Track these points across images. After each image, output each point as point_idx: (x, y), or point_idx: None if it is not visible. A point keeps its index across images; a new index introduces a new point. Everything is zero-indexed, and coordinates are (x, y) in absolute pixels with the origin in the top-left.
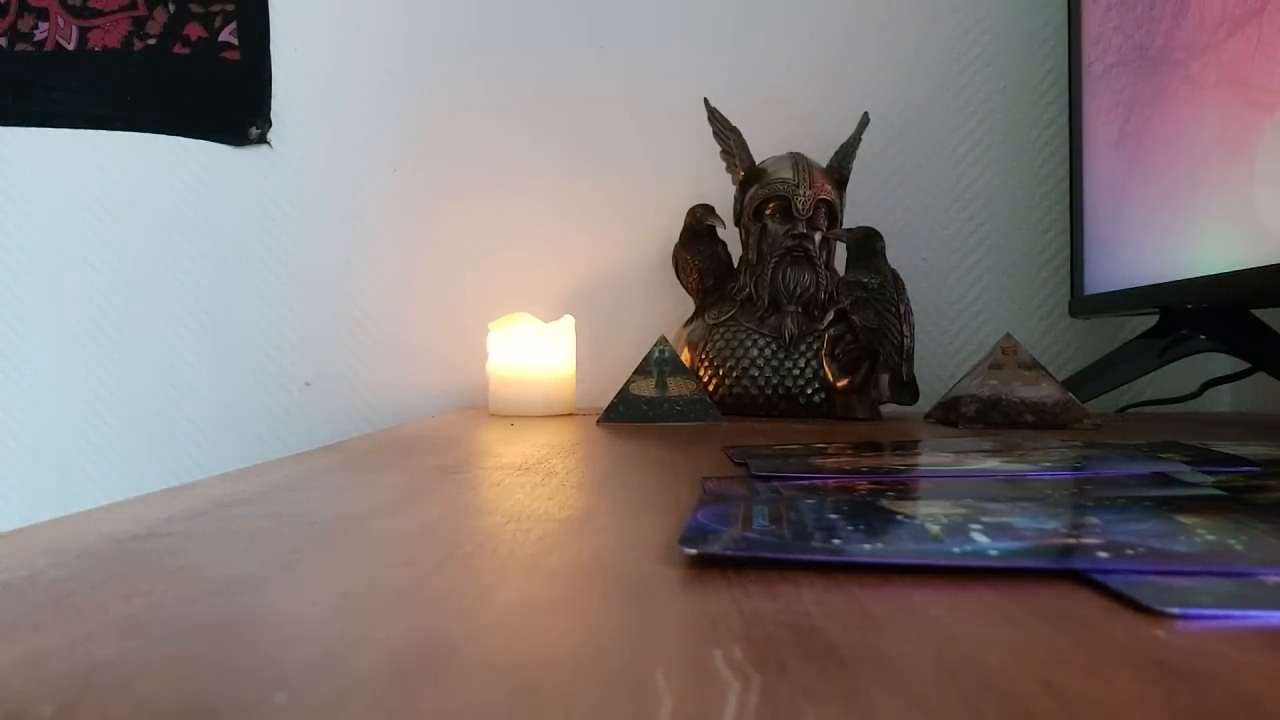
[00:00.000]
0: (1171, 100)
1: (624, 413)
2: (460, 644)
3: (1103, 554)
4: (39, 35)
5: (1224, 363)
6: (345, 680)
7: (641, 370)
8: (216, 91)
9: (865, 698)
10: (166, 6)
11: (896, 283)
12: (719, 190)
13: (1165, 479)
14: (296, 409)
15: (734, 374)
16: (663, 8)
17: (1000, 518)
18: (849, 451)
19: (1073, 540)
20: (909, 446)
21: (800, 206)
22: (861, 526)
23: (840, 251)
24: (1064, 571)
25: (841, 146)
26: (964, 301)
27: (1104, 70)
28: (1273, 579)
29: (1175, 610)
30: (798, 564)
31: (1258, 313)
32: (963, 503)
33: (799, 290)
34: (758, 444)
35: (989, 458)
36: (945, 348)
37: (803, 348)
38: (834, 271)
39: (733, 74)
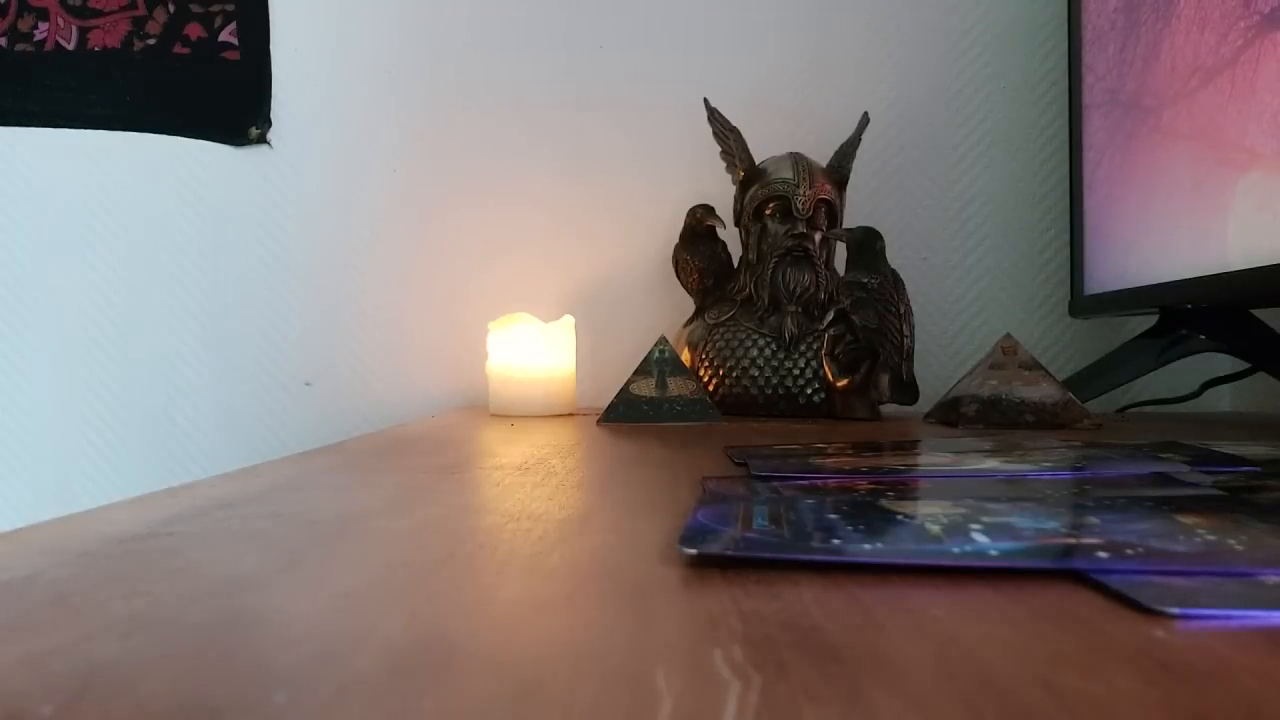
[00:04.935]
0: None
1: (624, 413)
2: (460, 643)
3: (1103, 554)
4: (39, 35)
5: (1224, 363)
6: (345, 680)
7: (641, 370)
8: (216, 91)
9: (865, 698)
10: (166, 6)
11: (896, 283)
12: (719, 190)
13: (1165, 479)
14: (296, 409)
15: (734, 374)
16: (662, 8)
17: (1000, 518)
18: (849, 451)
19: (1073, 540)
20: (909, 446)
21: (800, 206)
22: (861, 526)
23: (840, 251)
24: (1064, 571)
25: (841, 146)
26: (964, 301)
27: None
28: (1273, 579)
29: (1175, 610)
30: (798, 564)
31: (1258, 313)
32: (963, 503)
33: (799, 290)
34: (758, 444)
35: (989, 458)
36: (945, 348)
37: (803, 348)
38: (834, 271)
39: (733, 74)
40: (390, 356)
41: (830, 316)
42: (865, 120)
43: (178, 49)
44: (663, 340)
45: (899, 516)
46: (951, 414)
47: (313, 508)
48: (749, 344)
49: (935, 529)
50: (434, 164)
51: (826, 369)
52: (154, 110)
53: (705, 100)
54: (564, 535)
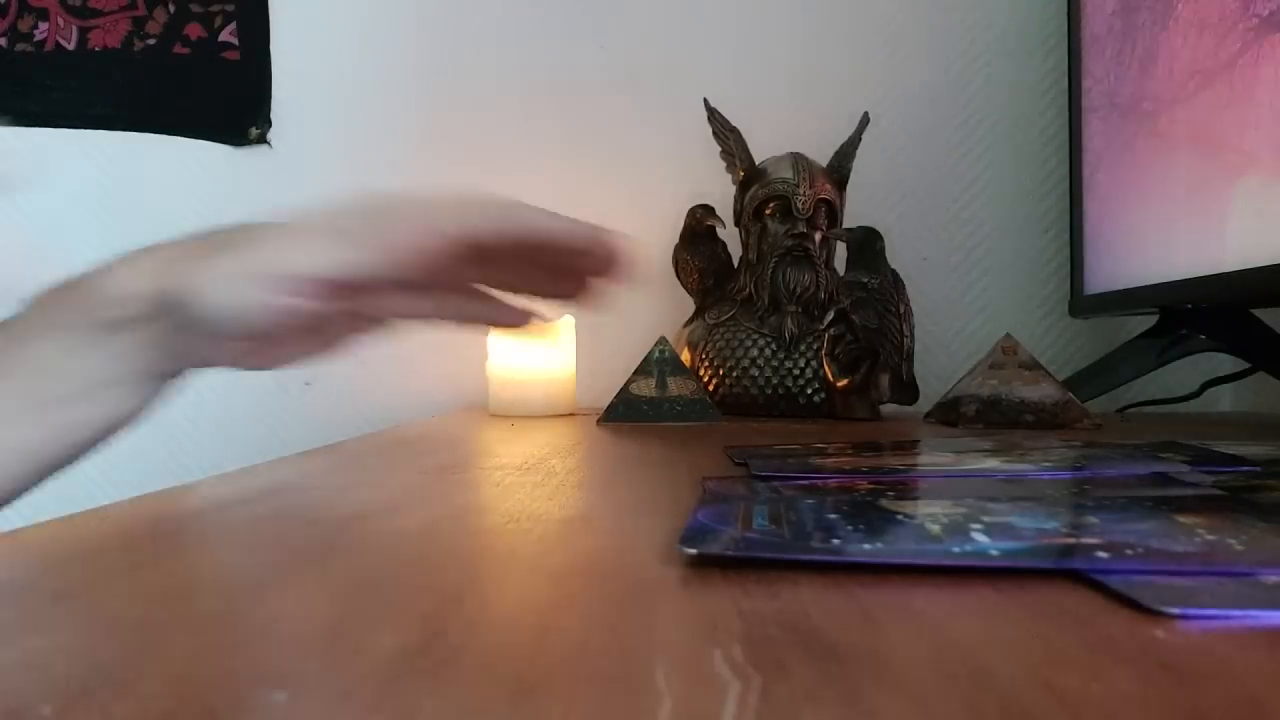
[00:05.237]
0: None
1: (624, 413)
2: (460, 644)
3: (1102, 554)
4: (39, 35)
5: (1224, 363)
6: (345, 680)
7: (641, 370)
8: (216, 91)
9: (865, 698)
10: (166, 6)
11: (896, 282)
12: (719, 190)
13: (1165, 479)
14: (296, 409)
15: (734, 374)
16: (663, 7)
17: (1000, 517)
18: (849, 451)
19: (1073, 540)
20: (909, 446)
21: (800, 206)
22: (861, 526)
23: (840, 251)
24: (1064, 571)
25: (841, 146)
26: (964, 301)
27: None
28: (1273, 579)
29: (1175, 610)
30: (798, 564)
31: (1258, 313)
32: (963, 502)
33: (799, 290)
34: (758, 444)
35: (989, 458)
36: (945, 348)
37: (802, 348)
38: (834, 271)
39: (733, 74)
40: (390, 357)
41: (830, 316)
42: (865, 120)
43: (178, 49)
44: (663, 340)
45: (899, 516)
46: (951, 414)
47: (313, 508)
48: (749, 344)
49: (935, 529)
50: (433, 164)
51: (826, 369)
52: (154, 110)
53: (705, 100)
54: (564, 535)
